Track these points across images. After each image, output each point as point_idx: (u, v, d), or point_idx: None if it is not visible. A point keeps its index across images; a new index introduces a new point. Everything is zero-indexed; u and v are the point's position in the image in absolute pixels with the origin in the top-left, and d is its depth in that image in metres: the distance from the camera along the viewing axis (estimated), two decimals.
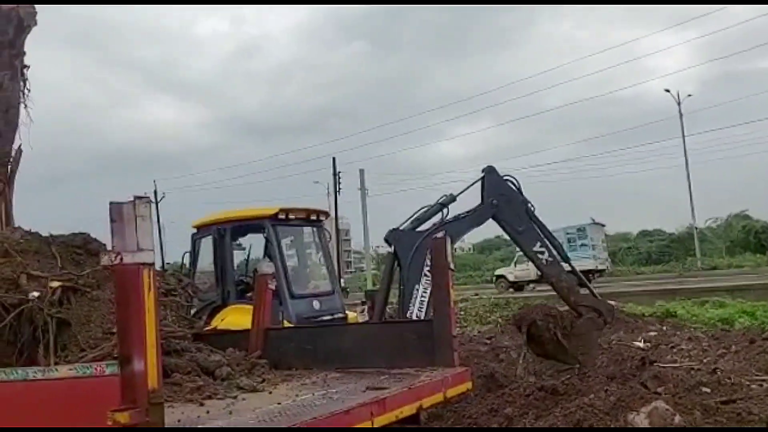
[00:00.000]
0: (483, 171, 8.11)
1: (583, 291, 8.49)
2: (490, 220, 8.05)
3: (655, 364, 7.70)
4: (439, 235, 5.53)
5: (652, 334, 11.37)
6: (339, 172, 38.13)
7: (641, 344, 10.42)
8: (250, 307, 7.82)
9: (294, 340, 5.08)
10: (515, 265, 35.38)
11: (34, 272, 4.76)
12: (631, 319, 12.97)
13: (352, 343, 4.76)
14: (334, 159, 38.33)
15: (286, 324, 7.64)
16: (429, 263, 7.42)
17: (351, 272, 67.25)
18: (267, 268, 9.02)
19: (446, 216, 8.00)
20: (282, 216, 8.51)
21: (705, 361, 8.66)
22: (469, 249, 74.63)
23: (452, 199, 8.13)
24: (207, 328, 7.41)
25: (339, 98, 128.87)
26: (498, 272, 38.15)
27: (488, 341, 11.16)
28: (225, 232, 8.62)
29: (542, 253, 8.01)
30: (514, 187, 8.11)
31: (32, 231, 5.45)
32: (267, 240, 8.56)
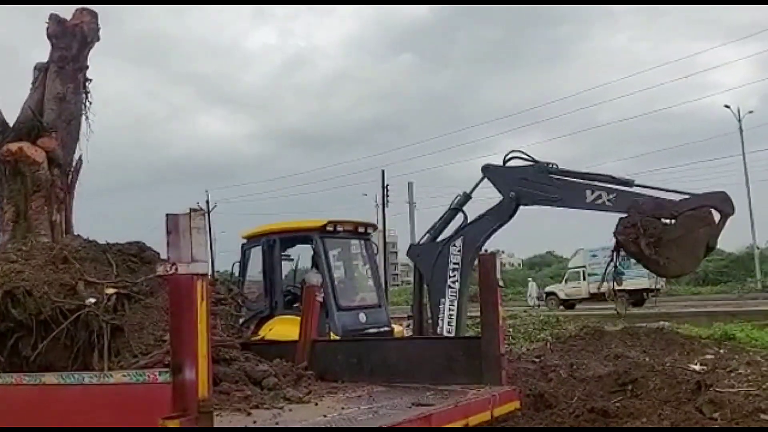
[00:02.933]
0: (482, 171, 7.56)
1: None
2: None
3: (711, 388, 7.35)
4: (478, 248, 5.41)
5: (709, 357, 10.87)
6: (387, 185, 38.09)
7: (697, 367, 9.96)
8: (298, 318, 7.90)
9: (341, 352, 5.09)
10: (566, 283, 34.62)
11: (91, 279, 4.92)
12: (687, 341, 12.47)
13: (399, 357, 4.73)
14: (383, 172, 38.29)
15: (333, 336, 7.66)
16: (452, 275, 7.05)
17: (398, 285, 67.09)
18: (314, 279, 9.11)
19: (466, 219, 7.52)
20: (330, 228, 8.55)
21: (764, 386, 8.22)
22: (518, 265, 73.42)
23: (466, 198, 7.63)
24: (255, 338, 7.51)
25: (387, 111, 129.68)
26: (548, 289, 37.39)
27: (537, 360, 10.89)
28: (274, 244, 8.72)
29: (599, 197, 6.87)
30: (525, 161, 7.35)
31: (90, 239, 5.64)
32: (315, 252, 8.62)
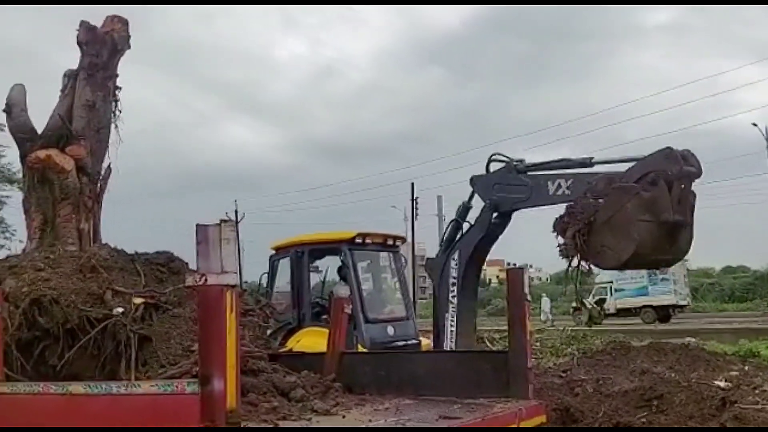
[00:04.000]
0: (470, 184, 7.16)
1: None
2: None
3: (736, 404, 7.21)
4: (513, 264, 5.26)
5: (734, 373, 10.64)
6: (417, 197, 37.86)
7: (722, 384, 9.75)
8: (325, 330, 7.85)
9: (368, 365, 5.04)
10: (593, 298, 34.19)
11: (119, 288, 4.91)
12: (713, 357, 12.24)
13: (426, 370, 4.68)
14: (412, 184, 38.03)
15: (360, 348, 7.60)
16: (452, 289, 6.75)
17: (426, 298, 66.95)
18: (343, 291, 9.06)
19: (462, 231, 7.20)
20: (359, 240, 8.52)
21: None
22: (546, 279, 72.55)
23: (465, 209, 7.24)
24: (282, 349, 7.48)
25: (415, 123, 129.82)
26: (575, 304, 36.97)
27: (564, 374, 10.73)
28: (302, 255, 8.72)
29: (559, 187, 6.22)
30: (502, 162, 6.85)
31: (118, 248, 5.65)
32: (343, 264, 8.60)
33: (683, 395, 7.88)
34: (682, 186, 5.47)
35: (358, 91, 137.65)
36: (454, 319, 6.87)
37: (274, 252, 9.33)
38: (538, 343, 15.14)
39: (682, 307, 33.67)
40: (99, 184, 6.14)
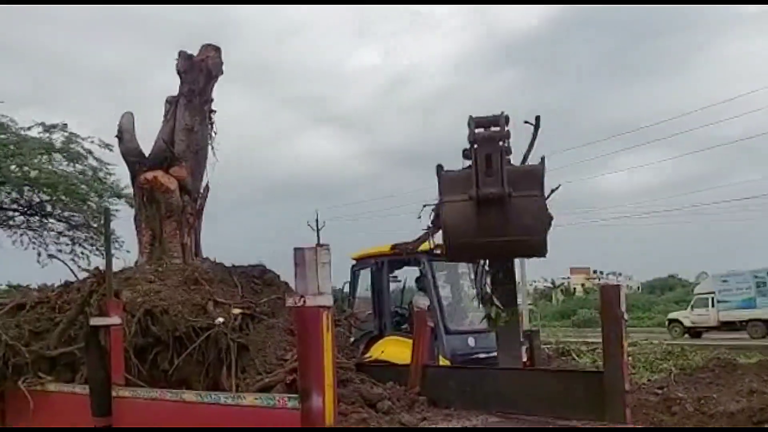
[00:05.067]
0: None
1: None
2: None
3: None
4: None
5: None
6: None
7: None
8: (408, 339, 7.95)
9: (453, 379, 5.07)
10: (692, 309, 32.35)
11: (219, 299, 5.26)
12: None
13: (514, 388, 4.64)
14: None
15: (442, 360, 7.65)
16: None
17: None
18: (422, 302, 9.13)
19: None
20: (438, 251, 8.56)
21: None
22: (638, 288, 69.18)
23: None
24: (365, 359, 7.66)
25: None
26: (671, 316, 35.04)
27: (659, 391, 10.27)
28: (382, 266, 8.86)
29: None
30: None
31: (217, 261, 6.04)
32: (422, 274, 8.65)
33: None
34: (488, 153, 4.68)
35: (433, 98, 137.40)
36: None
37: (354, 262, 9.54)
38: (630, 357, 14.54)
39: None
40: (199, 202, 6.58)
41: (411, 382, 5.16)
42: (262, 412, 2.79)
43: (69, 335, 4.86)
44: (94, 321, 3.97)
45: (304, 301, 2.59)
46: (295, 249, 2.79)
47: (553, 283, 76.71)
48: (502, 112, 4.74)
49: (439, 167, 4.91)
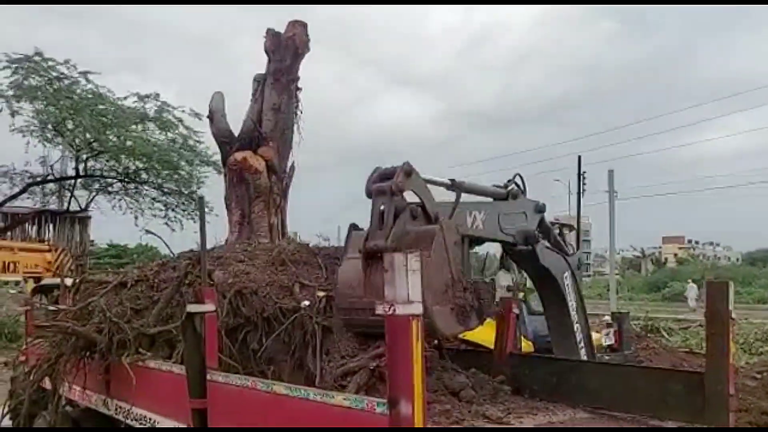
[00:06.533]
0: None
1: None
2: None
3: None
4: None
5: None
6: (584, 172, 35.77)
7: None
8: (491, 321, 7.85)
9: (539, 369, 4.97)
10: None
11: (304, 282, 5.35)
12: None
13: (604, 383, 4.49)
14: (579, 158, 35.59)
15: (524, 341, 7.53)
16: None
17: (589, 275, 62.81)
18: (504, 280, 8.95)
19: None
20: None
21: None
22: (737, 260, 65.01)
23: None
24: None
25: (579, 86, 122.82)
26: None
27: (759, 375, 9.74)
28: (463, 240, 8.73)
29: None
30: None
31: (302, 242, 6.14)
32: (505, 252, 8.49)
33: None
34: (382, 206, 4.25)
35: (515, 56, 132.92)
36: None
37: None
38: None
39: None
40: (285, 182, 6.69)
41: (494, 370, 5.11)
42: (349, 413, 2.82)
43: (166, 313, 5.11)
44: (190, 308, 4.14)
45: (394, 310, 2.56)
46: (385, 254, 2.76)
47: (642, 252, 73.56)
48: (404, 163, 4.31)
49: (352, 226, 4.61)
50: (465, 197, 4.87)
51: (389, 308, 2.57)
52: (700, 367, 4.74)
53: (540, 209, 5.37)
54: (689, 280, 39.24)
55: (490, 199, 5.11)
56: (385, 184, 4.24)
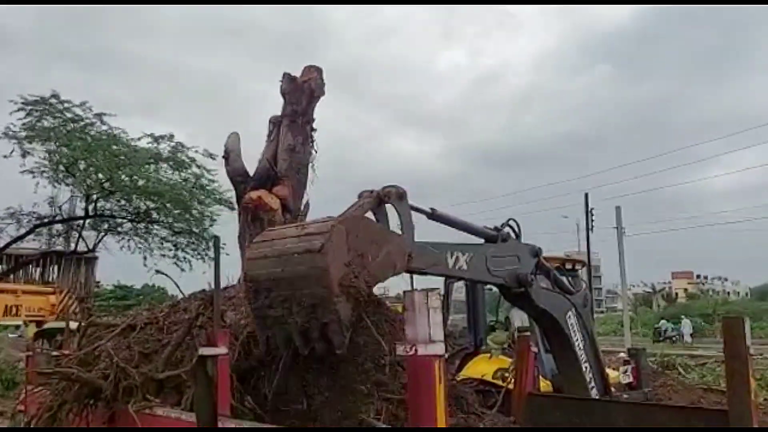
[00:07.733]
0: None
1: None
2: None
3: None
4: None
5: None
6: (592, 208, 35.85)
7: None
8: (503, 357, 7.71)
9: (560, 409, 4.85)
10: None
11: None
12: None
13: (628, 422, 4.37)
14: (586, 195, 35.89)
15: (542, 380, 7.38)
16: None
17: (602, 312, 62.27)
18: (518, 318, 8.82)
19: None
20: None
21: None
22: (746, 294, 64.34)
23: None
24: (460, 377, 7.52)
25: (582, 125, 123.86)
26: None
27: None
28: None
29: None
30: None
31: None
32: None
33: None
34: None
35: (519, 97, 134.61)
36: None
37: None
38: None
39: None
40: (299, 220, 6.67)
41: (514, 411, 4.99)
42: None
43: (176, 357, 5.00)
44: (203, 351, 4.05)
45: (416, 350, 2.50)
46: (405, 292, 2.72)
47: (653, 288, 73.14)
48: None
49: None
50: (456, 238, 4.83)
51: (411, 348, 2.52)
52: (719, 404, 4.62)
53: (535, 253, 5.34)
54: (683, 317, 39.66)
55: (481, 240, 5.06)
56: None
